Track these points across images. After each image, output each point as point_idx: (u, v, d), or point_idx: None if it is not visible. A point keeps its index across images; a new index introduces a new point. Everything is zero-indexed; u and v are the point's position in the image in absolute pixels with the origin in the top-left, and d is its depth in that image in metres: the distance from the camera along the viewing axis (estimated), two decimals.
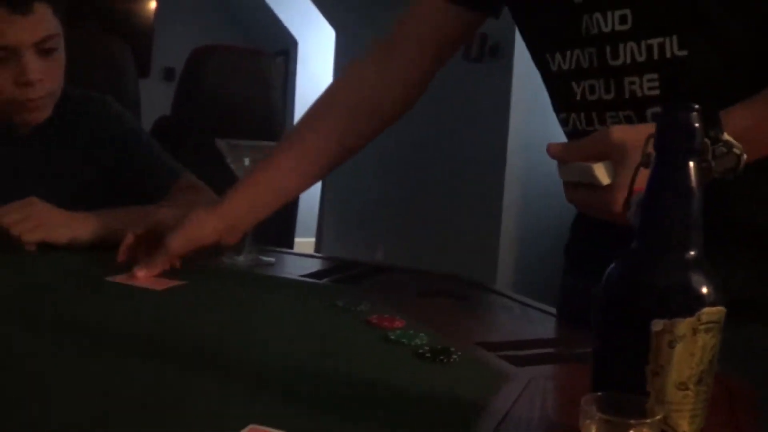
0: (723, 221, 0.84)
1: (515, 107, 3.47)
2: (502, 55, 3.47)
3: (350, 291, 1.18)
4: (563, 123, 1.10)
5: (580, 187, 0.85)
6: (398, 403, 0.73)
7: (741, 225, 0.97)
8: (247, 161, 1.30)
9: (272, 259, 1.38)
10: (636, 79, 0.98)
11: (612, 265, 0.62)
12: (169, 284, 1.13)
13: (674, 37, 0.94)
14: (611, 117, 1.01)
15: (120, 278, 1.14)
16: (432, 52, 1.24)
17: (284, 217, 3.09)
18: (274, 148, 1.28)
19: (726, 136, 0.78)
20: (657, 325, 0.59)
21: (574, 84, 1.05)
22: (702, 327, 0.59)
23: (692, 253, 0.60)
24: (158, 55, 6.60)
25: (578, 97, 1.05)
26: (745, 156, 0.78)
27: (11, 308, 1.00)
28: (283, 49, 6.72)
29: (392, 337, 0.91)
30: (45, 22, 1.48)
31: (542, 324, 1.12)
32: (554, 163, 0.89)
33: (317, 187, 5.29)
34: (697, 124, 0.60)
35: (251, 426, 0.63)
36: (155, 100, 4.05)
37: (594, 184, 0.83)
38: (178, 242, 1.18)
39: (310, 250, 4.88)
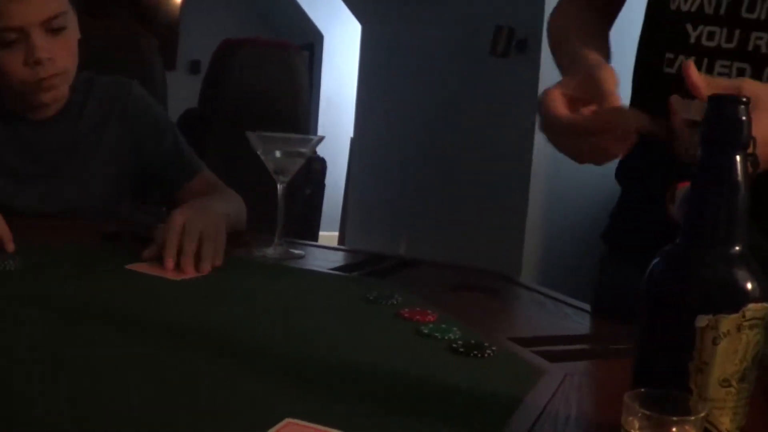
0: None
1: None
2: (529, 51, 3.44)
3: (380, 284, 1.17)
4: (668, 64, 1.08)
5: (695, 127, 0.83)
6: (434, 397, 0.73)
7: None
8: (278, 153, 1.29)
9: (302, 252, 1.38)
10: (765, 35, 0.98)
11: (656, 260, 0.61)
12: (185, 276, 1.14)
13: None
14: (722, 67, 1.01)
15: (138, 266, 1.16)
16: None
17: (309, 210, 3.10)
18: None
19: None
20: (701, 321, 0.58)
21: (689, 26, 1.04)
22: (746, 323, 0.58)
23: (737, 248, 0.59)
24: (184, 47, 6.63)
25: (692, 41, 1.04)
26: None
27: (45, 297, 1.01)
28: (308, 43, 6.71)
29: (425, 331, 0.91)
30: (51, 1, 1.48)
31: (574, 319, 1.10)
32: None
33: (342, 180, 5.29)
34: (744, 117, 0.59)
35: (287, 420, 0.62)
36: (181, 93, 4.06)
37: None
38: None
39: (334, 244, 4.88)
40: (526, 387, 0.75)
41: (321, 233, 3.46)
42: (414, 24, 4.44)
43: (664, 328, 0.60)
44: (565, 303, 1.15)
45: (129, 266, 1.16)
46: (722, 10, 1.01)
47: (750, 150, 0.60)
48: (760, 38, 0.98)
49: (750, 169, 0.60)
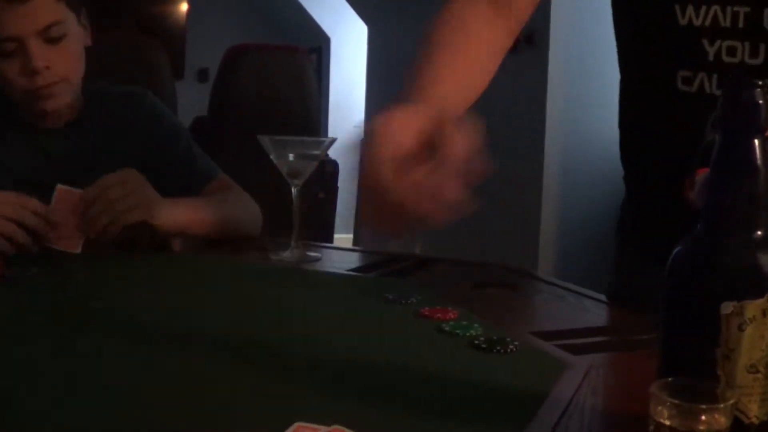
0: None
1: (552, 96, 3.44)
2: (538, 44, 3.43)
3: (399, 284, 1.17)
4: (684, 82, 1.01)
5: None
6: (458, 394, 0.73)
7: None
8: (291, 156, 1.30)
9: (319, 255, 1.38)
10: None
11: (677, 248, 0.61)
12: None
13: None
14: None
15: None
16: None
17: (324, 213, 3.10)
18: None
19: None
20: (726, 307, 0.57)
21: (705, 42, 0.98)
22: None
23: (759, 233, 0.59)
24: (191, 56, 6.64)
25: (711, 58, 0.98)
26: None
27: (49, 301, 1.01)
28: (315, 46, 6.72)
29: (446, 329, 0.91)
30: (47, 9, 1.47)
31: (594, 312, 1.10)
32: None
33: (353, 182, 5.28)
34: (761, 101, 0.58)
35: (297, 424, 0.61)
36: (190, 101, 4.06)
37: None
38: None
39: (349, 246, 4.87)
40: (551, 381, 0.74)
41: (335, 236, 3.46)
42: (420, 23, 4.43)
43: (688, 317, 0.60)
44: (585, 296, 1.14)
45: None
46: (740, 23, 0.95)
47: None
48: None
49: None
